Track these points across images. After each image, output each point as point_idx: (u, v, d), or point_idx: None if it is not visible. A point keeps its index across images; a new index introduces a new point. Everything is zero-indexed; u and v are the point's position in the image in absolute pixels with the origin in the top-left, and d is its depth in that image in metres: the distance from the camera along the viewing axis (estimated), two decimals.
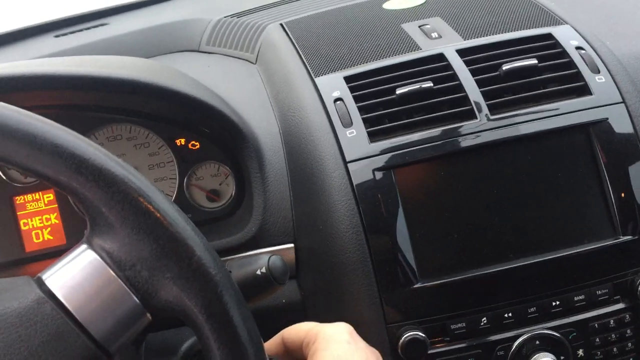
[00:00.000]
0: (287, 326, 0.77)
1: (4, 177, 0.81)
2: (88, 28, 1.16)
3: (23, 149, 0.42)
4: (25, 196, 0.81)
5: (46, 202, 0.81)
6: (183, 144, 0.83)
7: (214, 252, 0.45)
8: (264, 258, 0.57)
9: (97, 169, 0.42)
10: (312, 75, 0.82)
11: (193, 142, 0.83)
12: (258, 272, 0.56)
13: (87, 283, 0.43)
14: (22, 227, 0.81)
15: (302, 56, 0.87)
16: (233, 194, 0.84)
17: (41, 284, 0.43)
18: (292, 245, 0.78)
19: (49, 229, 0.81)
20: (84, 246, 0.44)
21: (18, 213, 0.81)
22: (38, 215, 0.81)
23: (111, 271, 0.43)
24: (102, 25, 1.16)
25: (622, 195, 0.71)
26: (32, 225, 0.81)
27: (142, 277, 0.43)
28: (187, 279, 0.43)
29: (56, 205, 0.82)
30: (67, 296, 0.43)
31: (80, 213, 0.82)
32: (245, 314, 0.44)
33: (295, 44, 0.90)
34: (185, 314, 0.44)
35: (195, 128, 0.82)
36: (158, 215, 0.43)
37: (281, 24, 0.98)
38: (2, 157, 0.42)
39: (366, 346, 0.58)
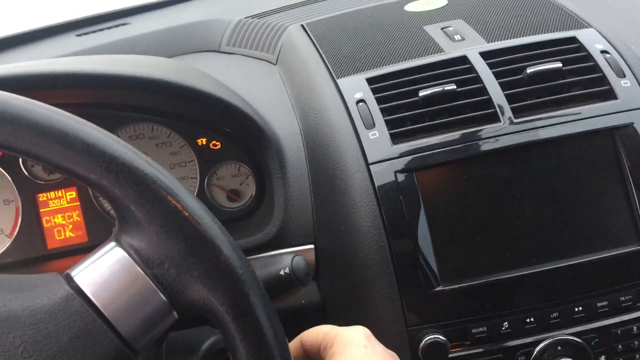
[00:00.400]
0: (307, 327, 0.77)
1: (27, 175, 0.81)
2: (109, 27, 1.16)
3: (54, 147, 0.42)
4: (48, 193, 0.82)
5: (68, 199, 0.82)
6: (204, 143, 0.84)
7: (240, 251, 0.45)
8: (287, 258, 0.57)
9: (126, 167, 0.43)
10: (334, 77, 0.82)
11: (214, 141, 0.84)
12: (281, 272, 0.56)
13: (115, 280, 0.43)
14: (45, 224, 0.82)
15: (324, 57, 0.87)
16: (253, 194, 0.84)
17: (70, 281, 0.44)
18: (312, 246, 0.78)
19: (71, 226, 0.82)
20: (112, 243, 0.45)
21: (41, 210, 0.82)
22: (60, 213, 0.82)
23: (139, 269, 0.44)
24: (123, 24, 1.17)
25: None
26: (55, 222, 0.82)
27: (170, 275, 0.44)
28: (214, 277, 0.43)
29: (78, 203, 0.82)
30: (96, 293, 0.43)
31: (101, 211, 0.82)
32: (271, 314, 0.44)
33: (317, 45, 0.90)
34: (211, 312, 0.44)
35: (217, 128, 0.82)
36: (186, 214, 0.43)
37: (302, 25, 0.98)
38: (33, 154, 0.42)
39: (383, 349, 0.58)
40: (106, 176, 0.42)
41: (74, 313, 0.42)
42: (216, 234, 0.44)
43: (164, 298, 0.44)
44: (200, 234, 0.43)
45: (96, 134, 0.43)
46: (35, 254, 0.81)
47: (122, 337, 0.43)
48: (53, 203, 0.82)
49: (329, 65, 0.85)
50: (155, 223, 0.43)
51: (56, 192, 0.82)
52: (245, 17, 1.10)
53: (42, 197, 0.82)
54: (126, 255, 0.44)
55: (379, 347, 0.57)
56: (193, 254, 0.43)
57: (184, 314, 0.45)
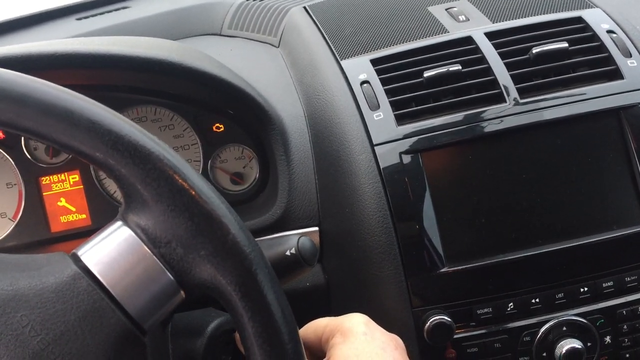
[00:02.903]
0: (312, 310, 0.77)
1: (30, 158, 0.81)
2: (109, 11, 1.15)
3: (59, 125, 0.42)
4: (51, 177, 0.81)
5: (72, 182, 0.82)
6: (208, 126, 0.83)
7: (248, 230, 0.44)
8: (293, 239, 0.57)
9: (133, 145, 0.42)
10: (338, 58, 0.81)
11: (218, 124, 0.83)
12: (287, 253, 0.56)
13: (122, 259, 0.43)
14: (48, 208, 0.82)
15: (327, 39, 0.86)
16: (257, 177, 0.84)
17: (77, 260, 0.43)
18: (317, 228, 0.78)
19: (74, 209, 0.82)
20: (119, 223, 0.44)
21: (44, 194, 0.81)
22: (63, 196, 0.82)
23: (146, 248, 0.43)
24: (123, 8, 1.16)
25: None
26: (58, 205, 0.82)
27: (177, 255, 0.43)
28: (221, 257, 0.43)
29: (82, 186, 0.82)
30: (103, 272, 0.43)
31: (105, 194, 0.82)
32: (279, 293, 0.44)
33: (320, 27, 0.89)
34: (219, 291, 0.44)
35: (221, 110, 0.81)
36: (193, 192, 0.43)
37: (304, 7, 0.97)
38: (38, 133, 0.42)
39: (383, 334, 0.58)
40: (112, 155, 0.42)
41: (81, 292, 0.42)
42: (223, 212, 0.43)
43: (172, 277, 0.44)
44: (207, 213, 0.43)
45: (102, 112, 0.43)
46: (39, 237, 0.81)
47: (130, 316, 0.43)
48: (56, 186, 0.82)
49: (332, 47, 0.84)
50: (161, 202, 0.43)
51: (59, 175, 0.82)
52: (247, 0, 1.09)
53: (45, 180, 0.82)
54: (133, 234, 0.44)
55: (378, 333, 0.58)
56: (200, 232, 0.43)
57: (192, 293, 0.45)
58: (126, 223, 0.44)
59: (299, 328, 0.60)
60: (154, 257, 0.43)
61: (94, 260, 0.43)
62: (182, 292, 0.45)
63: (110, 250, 0.44)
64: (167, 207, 0.43)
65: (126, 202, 0.44)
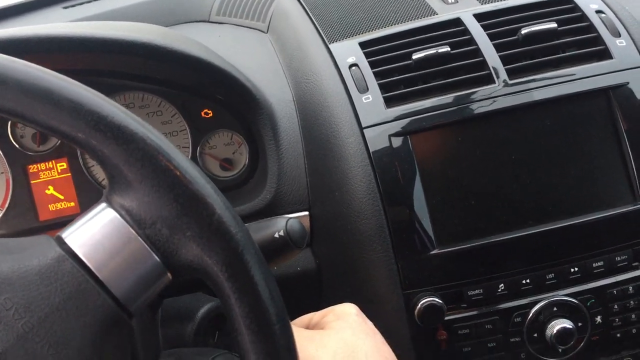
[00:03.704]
0: (303, 295, 0.77)
1: (17, 146, 0.80)
2: None
3: (40, 105, 0.41)
4: (39, 165, 0.81)
5: (59, 170, 0.81)
6: (196, 112, 0.82)
7: (234, 211, 0.44)
8: (281, 221, 0.56)
9: (115, 125, 0.42)
10: (326, 42, 0.81)
11: (206, 110, 0.83)
12: (276, 235, 0.55)
13: (107, 241, 0.43)
14: (36, 196, 0.81)
15: (315, 23, 0.85)
16: (246, 162, 0.84)
17: (61, 243, 0.43)
18: (307, 213, 0.77)
19: (62, 197, 0.81)
20: (103, 205, 0.44)
21: (31, 182, 0.81)
22: (51, 184, 0.81)
23: (131, 229, 0.43)
24: None
25: None
26: (46, 193, 0.81)
27: (163, 236, 0.43)
28: (207, 237, 0.42)
29: (69, 174, 0.81)
30: (87, 254, 0.42)
31: (93, 181, 0.81)
32: (266, 274, 0.44)
33: (308, 12, 0.89)
34: (205, 273, 0.43)
35: (209, 95, 0.81)
36: (178, 173, 0.42)
37: None
38: (18, 114, 0.41)
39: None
40: (94, 135, 0.41)
41: (65, 274, 0.41)
42: (209, 192, 0.43)
43: (157, 259, 0.43)
44: (192, 193, 0.42)
45: (84, 93, 0.42)
46: (27, 225, 0.80)
47: (115, 298, 0.42)
48: (44, 174, 0.81)
49: (320, 31, 0.83)
50: (146, 182, 0.42)
51: (47, 164, 0.81)
52: None
53: (32, 168, 0.81)
54: (117, 215, 0.43)
55: (368, 320, 0.59)
56: (185, 213, 0.42)
57: (178, 274, 0.45)
58: (110, 205, 0.44)
59: (290, 319, 0.60)
60: (139, 238, 0.43)
61: (78, 242, 0.43)
62: (168, 274, 0.45)
63: (94, 233, 0.43)
64: (152, 188, 0.42)
65: (110, 183, 0.44)
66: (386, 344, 0.58)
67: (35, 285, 0.41)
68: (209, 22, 1.08)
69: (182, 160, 0.43)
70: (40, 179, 0.81)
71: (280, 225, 0.56)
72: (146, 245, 0.43)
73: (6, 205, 0.80)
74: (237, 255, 0.43)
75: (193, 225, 0.42)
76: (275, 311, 0.44)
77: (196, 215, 0.42)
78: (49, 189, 0.81)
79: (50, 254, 0.42)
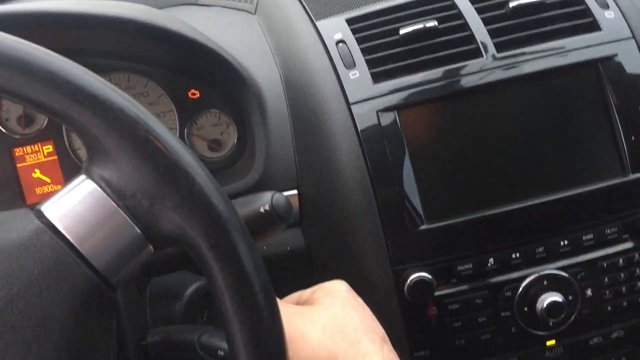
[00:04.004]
0: (293, 274, 0.77)
1: (2, 129, 0.79)
2: None
3: (16, 76, 0.40)
4: (25, 148, 0.80)
5: (45, 153, 0.80)
6: (183, 92, 0.82)
7: (215, 180, 0.43)
8: (267, 195, 0.56)
9: (92, 96, 0.41)
10: (313, 19, 0.80)
11: (193, 90, 0.82)
12: (261, 210, 0.55)
13: (87, 213, 0.42)
14: (23, 180, 0.80)
15: (302, 1, 0.84)
16: (235, 143, 0.83)
17: (40, 216, 0.42)
18: (295, 191, 0.77)
19: (49, 180, 0.80)
20: (82, 176, 0.43)
21: (18, 165, 0.80)
22: (38, 167, 0.80)
23: (111, 201, 0.42)
24: None
25: (632, 132, 0.70)
26: (33, 177, 0.80)
27: (143, 207, 0.42)
28: (188, 207, 0.42)
29: (56, 157, 0.81)
30: (67, 226, 0.42)
31: (80, 164, 0.81)
32: (249, 243, 0.43)
33: None
34: (187, 243, 0.43)
35: (196, 74, 0.80)
36: (157, 143, 0.42)
37: None
38: None
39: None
40: (71, 105, 0.41)
41: (44, 246, 0.41)
42: (189, 162, 0.42)
43: (138, 230, 0.43)
44: (172, 163, 0.42)
45: (59, 63, 0.41)
46: (14, 209, 0.79)
47: (96, 270, 0.42)
48: (30, 157, 0.80)
49: (307, 9, 0.82)
50: (125, 153, 0.42)
51: (33, 147, 0.80)
52: None
53: (18, 151, 0.80)
54: (97, 187, 0.43)
55: (359, 297, 0.60)
56: (166, 183, 0.42)
57: (160, 246, 0.44)
58: (90, 176, 0.43)
59: (280, 298, 0.60)
60: (120, 210, 0.42)
61: (57, 214, 0.42)
62: (150, 246, 0.44)
63: (74, 205, 0.42)
64: (131, 158, 0.42)
65: (89, 154, 0.43)
66: (375, 320, 0.58)
67: (14, 258, 0.40)
68: (197, 4, 1.07)
69: (161, 130, 0.43)
70: (26, 162, 0.80)
71: (265, 199, 0.55)
72: (127, 217, 0.43)
73: None
74: (218, 224, 0.42)
75: (173, 195, 0.42)
76: (258, 280, 0.43)
77: (176, 185, 0.42)
78: (35, 172, 0.80)
79: (29, 226, 0.42)
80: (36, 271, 0.40)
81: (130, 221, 0.43)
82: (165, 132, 0.43)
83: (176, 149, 0.42)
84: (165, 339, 0.59)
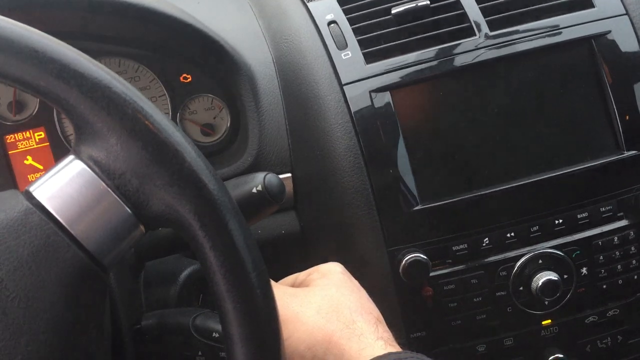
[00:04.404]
0: (288, 258, 0.76)
1: None
2: None
3: (1, 55, 0.40)
4: (16, 135, 0.79)
5: (37, 140, 0.79)
6: (174, 77, 0.81)
7: (205, 159, 0.43)
8: (259, 176, 0.55)
9: (79, 73, 0.40)
10: (304, 0, 0.79)
11: (185, 75, 0.81)
12: (254, 190, 0.54)
13: (76, 193, 0.42)
14: (15, 167, 0.80)
15: None
16: (228, 127, 0.82)
17: (29, 197, 0.42)
18: (289, 175, 0.76)
19: (41, 167, 0.80)
20: (71, 157, 0.43)
21: (9, 152, 0.79)
22: (30, 154, 0.80)
23: (100, 181, 0.42)
24: None
25: (626, 109, 0.69)
26: (25, 164, 0.79)
27: (133, 186, 0.42)
28: (178, 186, 0.41)
29: (47, 144, 0.80)
30: (56, 207, 0.41)
31: (68, 146, 0.80)
32: (240, 221, 0.43)
33: None
34: (178, 222, 0.42)
35: (188, 58, 0.79)
36: (146, 121, 0.41)
37: None
38: None
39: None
40: (57, 84, 0.40)
41: (34, 227, 0.40)
42: (178, 140, 0.42)
43: (129, 210, 0.42)
44: (161, 141, 0.41)
45: (44, 41, 0.41)
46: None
47: (86, 250, 0.41)
48: (22, 144, 0.80)
49: None
50: (113, 131, 0.41)
51: (24, 133, 0.79)
52: None
53: (9, 138, 0.79)
54: (86, 167, 0.42)
55: (353, 278, 0.59)
56: (155, 162, 0.41)
57: (151, 226, 0.44)
58: (78, 156, 0.42)
59: (274, 281, 0.60)
60: (109, 190, 0.42)
61: (46, 195, 0.42)
62: (141, 226, 0.44)
63: (63, 185, 0.42)
64: (119, 137, 0.41)
65: (77, 134, 0.42)
66: (371, 301, 0.58)
67: (3, 239, 0.40)
68: None
69: (150, 107, 0.42)
70: (18, 149, 0.80)
71: (258, 180, 0.55)
72: (116, 197, 0.42)
73: None
74: (209, 203, 0.42)
75: (163, 174, 0.41)
76: (251, 259, 0.43)
77: (166, 163, 0.41)
78: (27, 159, 0.80)
79: (18, 207, 0.41)
80: (25, 252, 0.40)
81: (120, 201, 0.42)
82: (154, 110, 0.42)
83: (165, 126, 0.42)
84: (160, 322, 0.59)
